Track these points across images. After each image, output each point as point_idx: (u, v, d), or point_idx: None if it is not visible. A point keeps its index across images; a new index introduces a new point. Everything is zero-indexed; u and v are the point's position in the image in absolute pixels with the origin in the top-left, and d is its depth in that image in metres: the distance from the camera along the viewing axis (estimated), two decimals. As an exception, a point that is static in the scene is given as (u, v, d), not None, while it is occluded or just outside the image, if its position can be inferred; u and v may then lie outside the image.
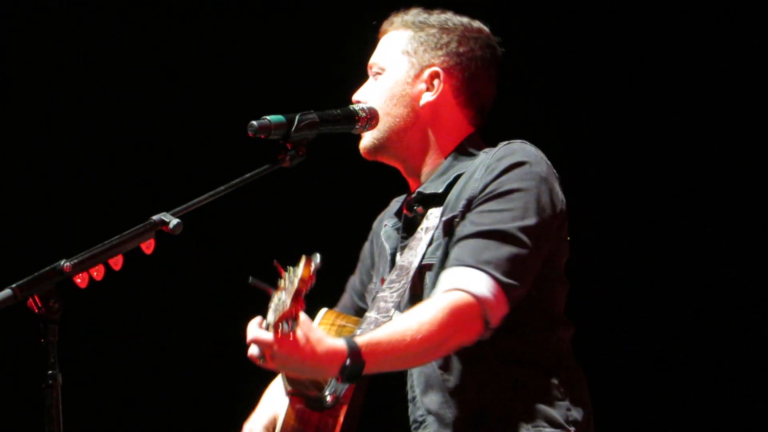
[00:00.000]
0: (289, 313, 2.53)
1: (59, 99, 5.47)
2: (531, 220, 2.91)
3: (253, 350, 2.65)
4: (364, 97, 3.20)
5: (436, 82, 3.16)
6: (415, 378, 3.07)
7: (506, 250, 2.86)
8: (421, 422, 3.05)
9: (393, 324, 2.78)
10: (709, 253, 5.02)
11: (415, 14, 3.22)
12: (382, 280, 3.12)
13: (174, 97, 5.47)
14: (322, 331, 2.68)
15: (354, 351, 2.67)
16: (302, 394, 2.95)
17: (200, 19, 5.49)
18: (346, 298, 3.45)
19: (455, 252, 2.92)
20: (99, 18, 5.44)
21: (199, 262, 5.38)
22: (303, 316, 2.61)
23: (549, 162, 3.04)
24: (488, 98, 3.22)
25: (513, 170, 2.97)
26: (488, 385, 2.97)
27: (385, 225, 3.28)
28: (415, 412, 3.07)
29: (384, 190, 3.45)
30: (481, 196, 2.96)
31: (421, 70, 3.16)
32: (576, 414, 3.00)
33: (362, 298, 3.37)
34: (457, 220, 2.98)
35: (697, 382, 5.03)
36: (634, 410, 5.07)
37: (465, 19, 3.22)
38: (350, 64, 3.51)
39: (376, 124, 3.16)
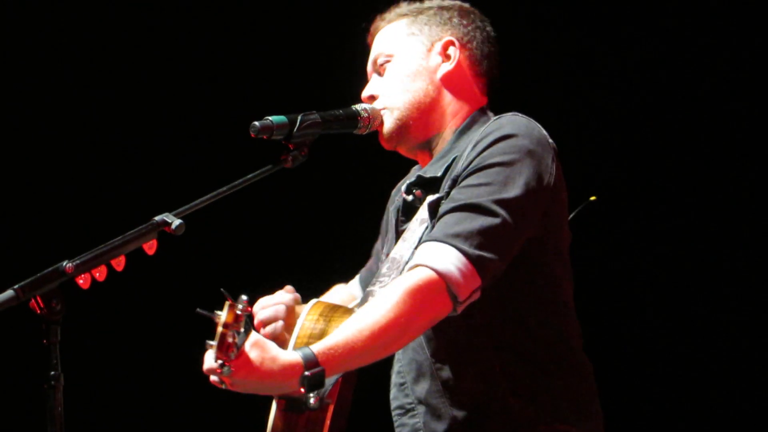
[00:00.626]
0: (219, 358, 2.51)
1: (62, 99, 5.47)
2: (509, 193, 2.81)
3: (214, 377, 2.63)
4: (377, 89, 3.16)
5: (451, 50, 3.14)
6: (405, 364, 3.01)
7: (478, 222, 2.77)
8: (409, 410, 3.00)
9: (349, 322, 2.70)
10: (710, 253, 5.02)
11: (406, 5, 3.22)
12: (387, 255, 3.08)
13: (176, 97, 5.47)
14: (275, 348, 2.62)
15: (310, 360, 2.60)
16: (287, 396, 2.93)
17: (203, 20, 5.49)
18: (372, 262, 3.42)
19: (432, 229, 2.86)
20: (104, 19, 5.45)
21: (202, 263, 5.38)
22: (254, 336, 2.59)
23: (544, 132, 2.95)
24: (496, 69, 3.19)
25: (497, 144, 2.88)
26: (483, 377, 2.90)
27: (396, 199, 3.23)
28: (402, 398, 3.01)
29: (386, 189, 3.44)
30: (464, 173, 2.89)
31: (432, 44, 3.14)
32: (577, 411, 2.93)
33: None
34: (443, 201, 2.91)
35: (699, 381, 5.04)
36: (640, 411, 5.07)
37: (456, 1, 3.23)
38: (352, 65, 3.50)
39: (379, 124, 3.14)
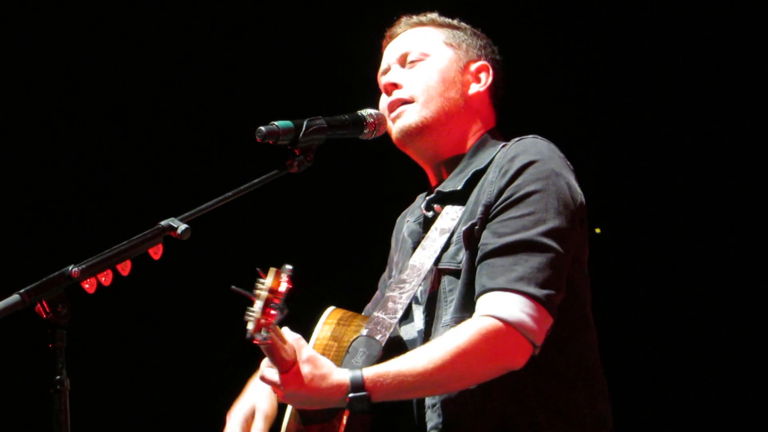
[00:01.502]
0: (259, 325, 2.57)
1: (68, 104, 5.48)
2: (554, 222, 2.87)
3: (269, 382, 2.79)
4: (403, 79, 3.16)
5: (483, 75, 3.20)
6: None
7: (536, 261, 2.83)
8: (441, 429, 2.98)
9: (408, 355, 2.79)
10: (711, 255, 5.02)
11: (438, 16, 3.26)
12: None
13: (182, 102, 5.48)
14: (328, 366, 2.74)
15: (357, 384, 2.72)
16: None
17: (210, 25, 5.50)
18: (378, 295, 3.43)
19: (485, 275, 2.87)
20: (111, 25, 5.46)
21: (208, 268, 5.38)
22: (310, 352, 2.72)
23: (562, 154, 3.01)
24: (503, 101, 3.26)
25: (526, 170, 2.93)
26: (513, 394, 2.91)
27: (408, 221, 3.25)
28: (434, 418, 3.00)
29: (396, 198, 3.44)
30: (498, 203, 2.93)
31: (468, 63, 3.19)
32: (599, 424, 2.96)
33: None
34: (477, 228, 2.94)
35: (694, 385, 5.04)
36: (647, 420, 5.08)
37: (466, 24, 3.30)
38: (359, 70, 3.51)
39: (384, 129, 3.14)
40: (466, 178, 3.05)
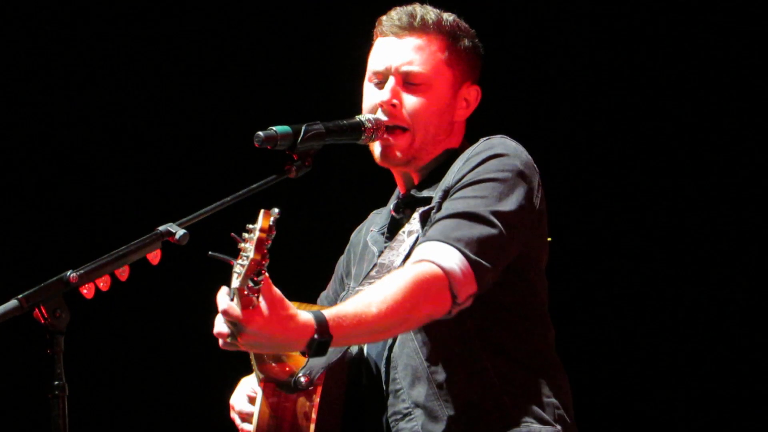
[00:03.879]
0: (255, 265, 2.48)
1: (65, 109, 5.48)
2: (505, 207, 2.90)
3: (221, 327, 2.62)
4: (403, 102, 3.13)
5: (473, 96, 3.20)
6: (400, 370, 3.03)
7: (477, 230, 2.85)
8: (406, 414, 3.02)
9: (359, 296, 2.73)
10: (694, 255, 5.02)
11: (446, 17, 3.20)
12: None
13: (181, 107, 5.48)
14: (293, 307, 2.62)
15: (322, 325, 2.62)
16: (274, 379, 2.96)
17: (207, 30, 5.50)
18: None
19: (428, 231, 2.92)
20: (108, 31, 5.46)
21: (206, 273, 5.38)
22: (277, 294, 2.57)
23: (530, 157, 3.04)
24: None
25: (490, 161, 2.98)
26: (477, 378, 2.97)
27: (372, 230, 3.28)
28: (398, 404, 3.03)
29: (372, 197, 3.46)
30: (457, 185, 2.97)
31: (462, 84, 3.18)
32: (563, 413, 3.02)
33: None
34: (434, 211, 2.99)
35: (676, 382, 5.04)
36: (613, 413, 5.08)
37: (466, 25, 3.24)
38: (355, 75, 3.50)
39: (383, 134, 3.14)
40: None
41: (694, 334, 5.01)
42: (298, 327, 2.60)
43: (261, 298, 2.53)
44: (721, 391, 4.98)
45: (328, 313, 2.65)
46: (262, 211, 2.50)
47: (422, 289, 2.75)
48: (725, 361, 4.98)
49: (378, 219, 3.34)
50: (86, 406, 4.41)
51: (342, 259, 3.45)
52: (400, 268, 2.87)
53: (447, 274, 2.78)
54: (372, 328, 2.70)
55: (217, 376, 5.29)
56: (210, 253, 2.60)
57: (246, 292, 2.50)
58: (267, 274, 2.52)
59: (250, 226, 2.50)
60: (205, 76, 5.49)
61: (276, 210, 2.51)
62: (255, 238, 2.47)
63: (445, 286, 2.78)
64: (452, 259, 2.80)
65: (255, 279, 2.49)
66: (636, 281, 5.08)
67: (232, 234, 2.58)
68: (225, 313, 2.57)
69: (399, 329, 2.85)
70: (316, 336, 2.61)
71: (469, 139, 3.20)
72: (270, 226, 2.49)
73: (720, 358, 4.98)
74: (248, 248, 2.48)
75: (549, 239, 3.12)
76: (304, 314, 2.63)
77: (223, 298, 2.59)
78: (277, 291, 2.59)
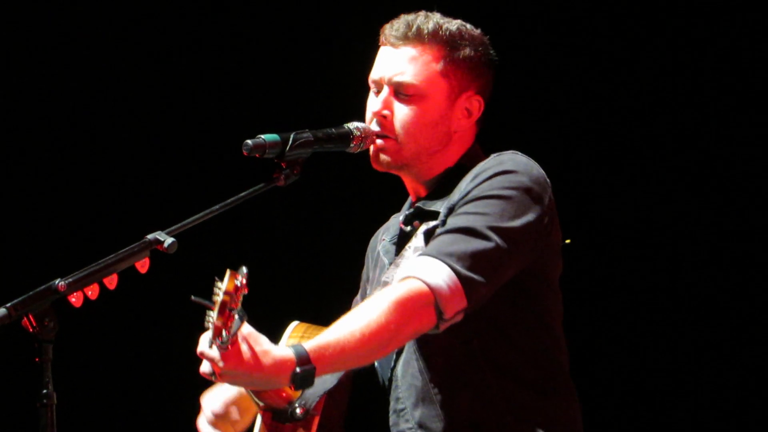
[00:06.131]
0: (218, 329, 2.49)
1: (54, 117, 5.48)
2: (505, 223, 2.87)
3: (204, 367, 2.64)
4: (393, 113, 3.10)
5: (474, 106, 3.13)
6: (403, 390, 3.02)
7: (472, 245, 2.82)
8: None
9: (341, 323, 2.71)
10: (695, 261, 5.02)
11: (447, 23, 3.13)
12: None
13: (168, 115, 5.48)
14: (267, 342, 2.62)
15: (302, 357, 2.62)
16: (272, 408, 2.95)
17: (195, 39, 5.51)
18: None
19: (426, 246, 2.91)
20: (97, 38, 5.46)
21: (194, 282, 5.37)
22: (248, 329, 2.59)
23: (542, 172, 3.00)
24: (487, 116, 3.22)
25: (496, 177, 2.94)
26: (481, 397, 2.94)
27: (383, 240, 3.26)
28: (402, 424, 3.01)
29: (382, 207, 3.45)
30: (461, 201, 2.94)
31: (460, 94, 3.12)
32: None
33: None
34: (438, 228, 2.95)
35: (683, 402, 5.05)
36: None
37: (477, 31, 3.17)
38: (347, 82, 3.51)
39: (371, 143, 3.12)
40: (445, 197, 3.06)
41: (699, 344, 5.00)
42: (276, 362, 2.60)
43: (237, 337, 2.55)
44: (726, 404, 4.99)
45: (309, 344, 2.65)
46: (228, 271, 2.50)
47: (406, 308, 2.73)
48: (732, 370, 4.98)
49: (394, 222, 3.28)
50: (75, 416, 4.40)
51: (367, 262, 3.41)
52: (385, 288, 2.83)
53: (432, 290, 2.76)
54: (357, 353, 2.70)
55: (206, 386, 5.30)
56: (193, 297, 2.61)
57: (217, 346, 2.52)
58: (242, 323, 2.53)
59: (218, 284, 2.51)
60: (194, 84, 5.49)
61: (244, 269, 2.50)
62: (218, 303, 2.49)
63: (430, 302, 2.76)
64: (439, 275, 2.78)
65: (221, 339, 2.50)
66: (640, 288, 5.08)
67: (192, 297, 2.60)
68: (201, 355, 2.61)
69: (386, 350, 2.81)
70: (297, 369, 2.61)
71: (485, 150, 3.14)
72: (236, 287, 2.48)
73: (728, 367, 4.98)
74: (211, 314, 2.51)
75: (567, 241, 3.09)
76: (280, 349, 2.63)
77: (202, 343, 2.62)
78: (250, 328, 2.60)
